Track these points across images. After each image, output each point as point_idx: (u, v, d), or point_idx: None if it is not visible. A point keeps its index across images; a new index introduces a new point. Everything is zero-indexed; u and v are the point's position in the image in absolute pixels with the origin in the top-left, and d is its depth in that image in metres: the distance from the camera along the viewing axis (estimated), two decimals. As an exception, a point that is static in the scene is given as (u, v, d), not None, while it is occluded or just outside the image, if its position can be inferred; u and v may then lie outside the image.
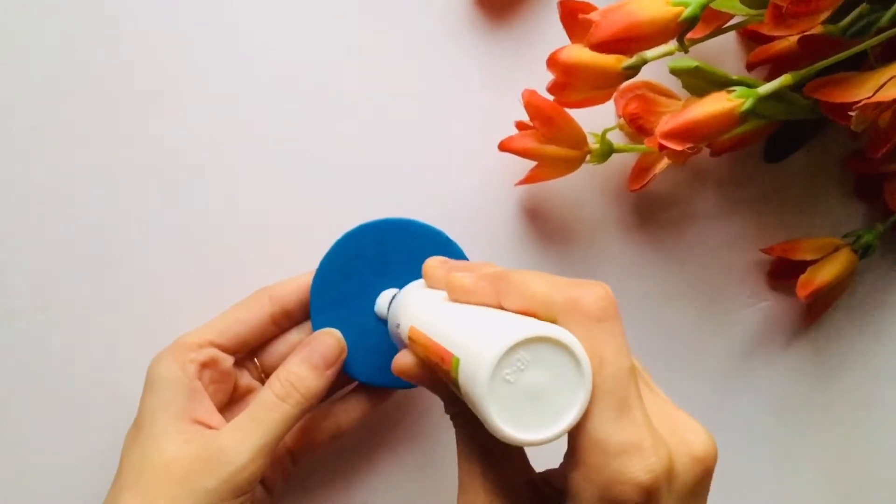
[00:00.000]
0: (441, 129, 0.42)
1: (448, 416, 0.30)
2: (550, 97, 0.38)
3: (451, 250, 0.37)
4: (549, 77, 0.37)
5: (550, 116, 0.37)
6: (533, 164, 0.39)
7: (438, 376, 0.29)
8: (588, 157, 0.39)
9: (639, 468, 0.23)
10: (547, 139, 0.38)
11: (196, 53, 0.40)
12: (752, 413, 0.43)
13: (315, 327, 0.36)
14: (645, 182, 0.40)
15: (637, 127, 0.38)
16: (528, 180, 0.40)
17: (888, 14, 0.37)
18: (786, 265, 0.42)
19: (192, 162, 0.40)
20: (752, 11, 0.35)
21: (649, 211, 0.43)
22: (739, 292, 0.43)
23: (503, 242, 0.42)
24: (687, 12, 0.33)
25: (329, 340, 0.35)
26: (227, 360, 0.36)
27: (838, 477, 0.43)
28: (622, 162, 0.41)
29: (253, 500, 0.33)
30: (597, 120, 0.39)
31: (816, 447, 0.43)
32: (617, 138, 0.41)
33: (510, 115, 0.39)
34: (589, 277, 0.42)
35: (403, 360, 0.30)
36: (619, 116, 0.41)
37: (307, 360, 0.34)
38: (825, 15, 0.33)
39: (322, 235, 0.37)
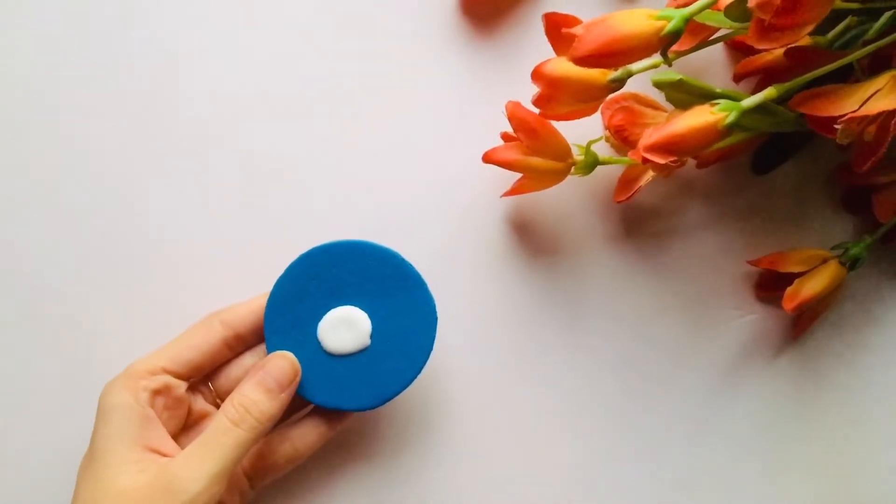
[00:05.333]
0: (426, 140, 0.42)
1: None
2: (536, 109, 0.38)
3: (404, 272, 0.37)
4: (536, 88, 0.37)
5: (534, 129, 0.37)
6: (519, 175, 0.39)
7: None
8: (573, 169, 0.39)
9: None
10: (531, 151, 0.38)
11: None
12: (740, 426, 0.43)
13: (269, 350, 0.36)
14: (630, 194, 0.40)
15: (622, 139, 0.38)
16: (513, 192, 0.40)
17: (875, 26, 0.37)
18: (773, 277, 0.41)
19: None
20: (737, 24, 0.35)
21: (636, 223, 0.42)
22: (726, 305, 0.43)
23: (489, 254, 0.42)
24: (669, 26, 0.33)
25: (282, 363, 0.35)
26: (180, 387, 0.35)
27: (827, 491, 0.43)
28: (609, 174, 0.41)
29: None
30: (584, 131, 0.39)
31: (804, 461, 0.43)
32: (604, 150, 0.41)
33: (497, 126, 0.39)
34: (575, 289, 0.42)
35: None
36: (606, 128, 0.41)
37: (261, 384, 0.34)
38: (809, 28, 0.33)
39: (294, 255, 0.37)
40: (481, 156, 0.38)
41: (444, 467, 0.41)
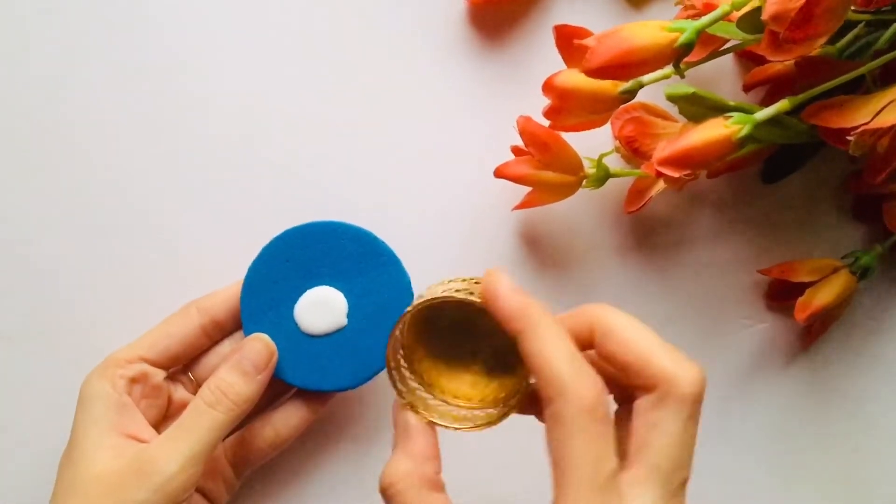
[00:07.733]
0: (437, 152, 0.41)
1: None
2: (546, 121, 0.38)
3: (377, 249, 0.37)
4: (546, 99, 0.37)
5: (546, 143, 0.37)
6: (530, 188, 0.39)
7: None
8: (584, 182, 0.39)
9: None
10: (543, 165, 0.37)
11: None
12: (751, 435, 0.43)
13: (246, 334, 0.36)
14: (641, 205, 0.40)
15: (633, 150, 0.38)
16: (524, 205, 0.40)
17: (886, 35, 0.37)
18: (784, 287, 0.41)
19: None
20: (749, 37, 0.35)
21: (646, 233, 0.42)
22: (737, 314, 0.43)
23: (500, 266, 0.41)
24: (682, 38, 0.33)
25: (258, 346, 0.35)
26: (158, 375, 0.36)
27: (837, 500, 0.43)
28: (619, 184, 0.41)
29: None
30: (594, 142, 0.39)
31: (816, 470, 0.43)
32: (614, 161, 0.41)
33: (507, 138, 0.39)
34: (586, 301, 0.41)
35: None
36: (616, 139, 0.40)
37: (237, 367, 0.34)
38: (822, 40, 0.33)
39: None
40: (493, 171, 0.38)
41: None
